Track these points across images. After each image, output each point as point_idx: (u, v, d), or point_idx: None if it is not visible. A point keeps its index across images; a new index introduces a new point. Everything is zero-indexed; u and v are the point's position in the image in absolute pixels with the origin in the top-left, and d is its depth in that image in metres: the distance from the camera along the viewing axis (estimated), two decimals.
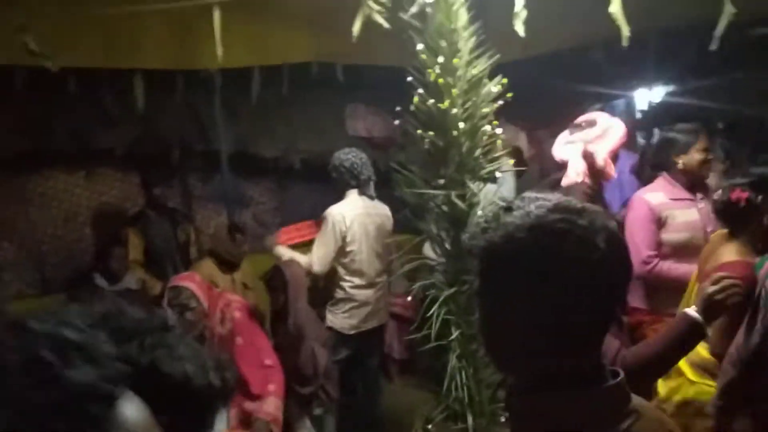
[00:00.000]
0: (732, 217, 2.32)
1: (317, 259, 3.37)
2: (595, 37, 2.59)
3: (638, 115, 5.58)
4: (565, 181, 2.85)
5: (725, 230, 2.39)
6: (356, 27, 2.19)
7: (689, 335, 1.64)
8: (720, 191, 2.36)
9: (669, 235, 2.96)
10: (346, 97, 4.80)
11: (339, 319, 3.44)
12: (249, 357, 2.71)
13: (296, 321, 3.06)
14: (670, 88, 5.43)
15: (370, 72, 4.20)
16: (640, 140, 5.35)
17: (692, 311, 1.68)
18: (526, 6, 2.63)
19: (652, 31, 4.61)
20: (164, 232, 4.31)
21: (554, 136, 3.15)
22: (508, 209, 0.91)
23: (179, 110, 4.34)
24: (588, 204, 0.91)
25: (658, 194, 3.02)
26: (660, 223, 2.98)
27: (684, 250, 2.93)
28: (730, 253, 2.27)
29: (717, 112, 5.24)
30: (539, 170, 4.94)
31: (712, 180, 3.31)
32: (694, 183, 3.04)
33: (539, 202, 0.90)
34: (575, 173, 2.78)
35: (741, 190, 2.25)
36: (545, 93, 4.95)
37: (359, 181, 3.43)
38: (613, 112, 4.69)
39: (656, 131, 3.52)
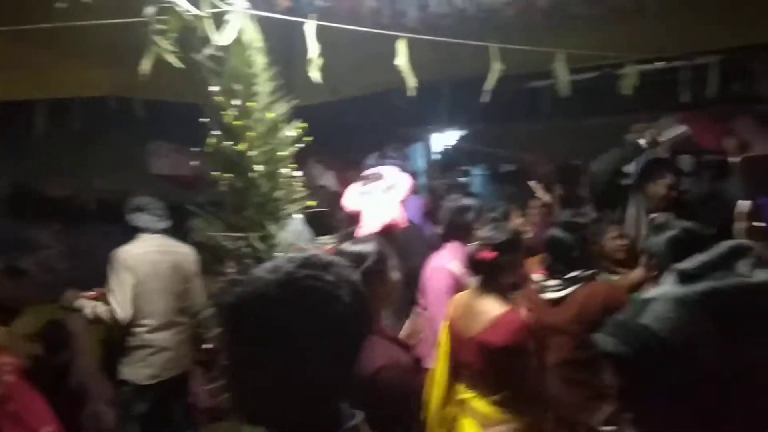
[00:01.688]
0: (481, 272, 2.46)
1: (118, 304, 3.13)
2: (396, 83, 2.80)
3: (434, 157, 6.05)
4: (364, 231, 2.97)
5: (476, 286, 2.50)
6: (145, 65, 2.11)
7: None
8: (472, 245, 2.47)
9: None
10: (148, 133, 4.56)
11: (134, 369, 3.19)
12: (23, 425, 2.39)
13: (80, 379, 2.78)
14: (463, 132, 5.99)
15: (175, 108, 4.04)
16: (436, 181, 5.78)
17: None
18: (333, 52, 2.76)
19: (445, 80, 5.09)
20: None
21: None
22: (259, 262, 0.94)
23: None
24: (336, 258, 0.96)
25: (456, 263, 3.04)
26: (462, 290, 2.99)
27: None
28: (493, 306, 2.40)
29: (501, 157, 5.89)
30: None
31: None
32: None
33: (292, 256, 0.93)
34: (374, 223, 2.89)
35: (489, 250, 2.40)
36: (352, 134, 5.18)
37: (149, 219, 3.29)
38: (406, 155, 5.06)
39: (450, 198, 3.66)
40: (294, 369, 0.87)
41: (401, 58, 2.57)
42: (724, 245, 0.89)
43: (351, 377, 0.94)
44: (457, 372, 2.53)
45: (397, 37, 2.67)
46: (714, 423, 0.81)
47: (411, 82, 2.62)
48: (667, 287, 0.89)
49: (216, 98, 2.23)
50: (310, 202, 2.51)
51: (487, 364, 2.38)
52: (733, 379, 0.79)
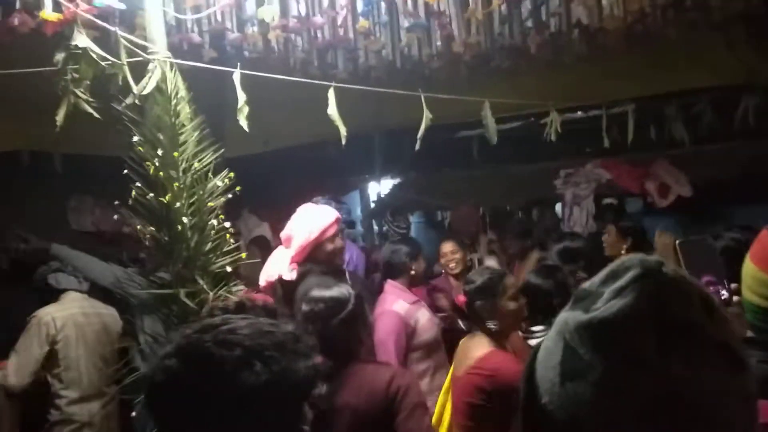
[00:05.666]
0: (463, 316, 2.48)
1: (13, 368, 2.86)
2: (329, 134, 2.79)
3: (372, 205, 6.07)
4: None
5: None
6: (60, 116, 2.01)
7: None
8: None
9: (421, 337, 3.02)
10: (68, 188, 4.35)
11: None
12: None
13: None
14: (396, 181, 6.05)
15: (97, 162, 3.89)
16: (384, 224, 5.80)
17: None
18: (265, 103, 2.72)
19: (377, 130, 5.17)
20: None
21: None
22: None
23: None
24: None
25: (400, 303, 3.08)
26: (411, 329, 3.02)
27: (434, 347, 3.08)
28: (480, 347, 2.31)
29: (435, 204, 5.96)
30: None
31: None
32: (415, 284, 3.27)
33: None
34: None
35: (464, 294, 2.41)
36: (286, 185, 5.13)
37: (72, 280, 3.09)
38: (344, 204, 5.05)
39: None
40: None
41: (331, 107, 2.57)
42: None
43: None
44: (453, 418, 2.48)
45: (327, 88, 2.68)
46: None
47: (342, 130, 2.61)
48: None
49: (138, 148, 2.14)
50: (242, 254, 2.43)
51: (468, 409, 2.26)
52: None
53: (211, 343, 0.85)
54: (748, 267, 1.21)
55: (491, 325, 2.31)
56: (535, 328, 2.65)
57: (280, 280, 2.72)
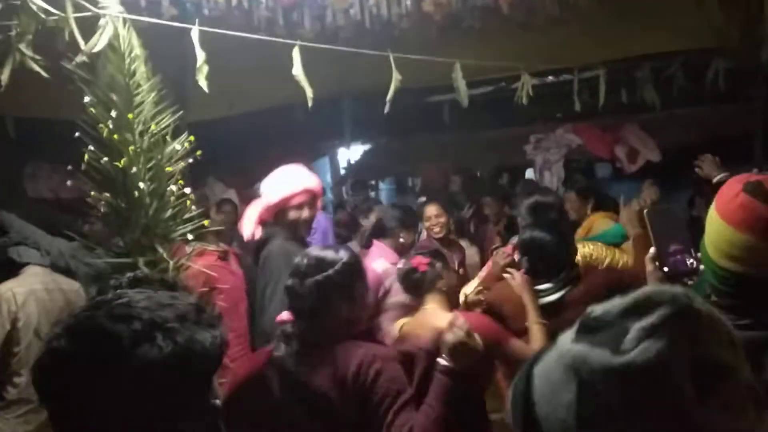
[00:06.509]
0: (413, 284, 2.28)
1: None
2: (298, 97, 2.68)
3: (342, 171, 5.98)
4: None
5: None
6: (5, 74, 1.88)
7: (453, 383, 1.69)
8: (403, 261, 2.34)
9: (395, 298, 2.96)
10: (24, 154, 4.17)
11: (11, 425, 2.81)
12: None
13: None
14: (367, 146, 5.97)
15: (54, 126, 3.73)
16: (346, 194, 5.74)
17: (443, 359, 1.73)
18: (229, 64, 2.60)
19: (348, 94, 5.06)
20: None
21: None
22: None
23: None
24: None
25: (381, 261, 3.05)
26: (385, 289, 2.98)
27: (409, 310, 3.03)
28: (439, 316, 2.14)
29: (406, 170, 5.91)
30: None
31: None
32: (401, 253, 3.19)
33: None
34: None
35: (422, 257, 2.26)
36: (253, 150, 5.01)
37: (34, 253, 2.95)
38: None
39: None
40: None
41: (297, 68, 2.48)
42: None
43: None
44: None
45: (292, 47, 2.58)
46: None
47: (308, 91, 2.52)
48: None
49: (90, 110, 2.02)
50: (205, 221, 2.34)
51: None
52: None
53: (105, 318, 0.79)
54: (720, 228, 1.13)
55: (441, 286, 2.23)
56: (542, 287, 2.45)
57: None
